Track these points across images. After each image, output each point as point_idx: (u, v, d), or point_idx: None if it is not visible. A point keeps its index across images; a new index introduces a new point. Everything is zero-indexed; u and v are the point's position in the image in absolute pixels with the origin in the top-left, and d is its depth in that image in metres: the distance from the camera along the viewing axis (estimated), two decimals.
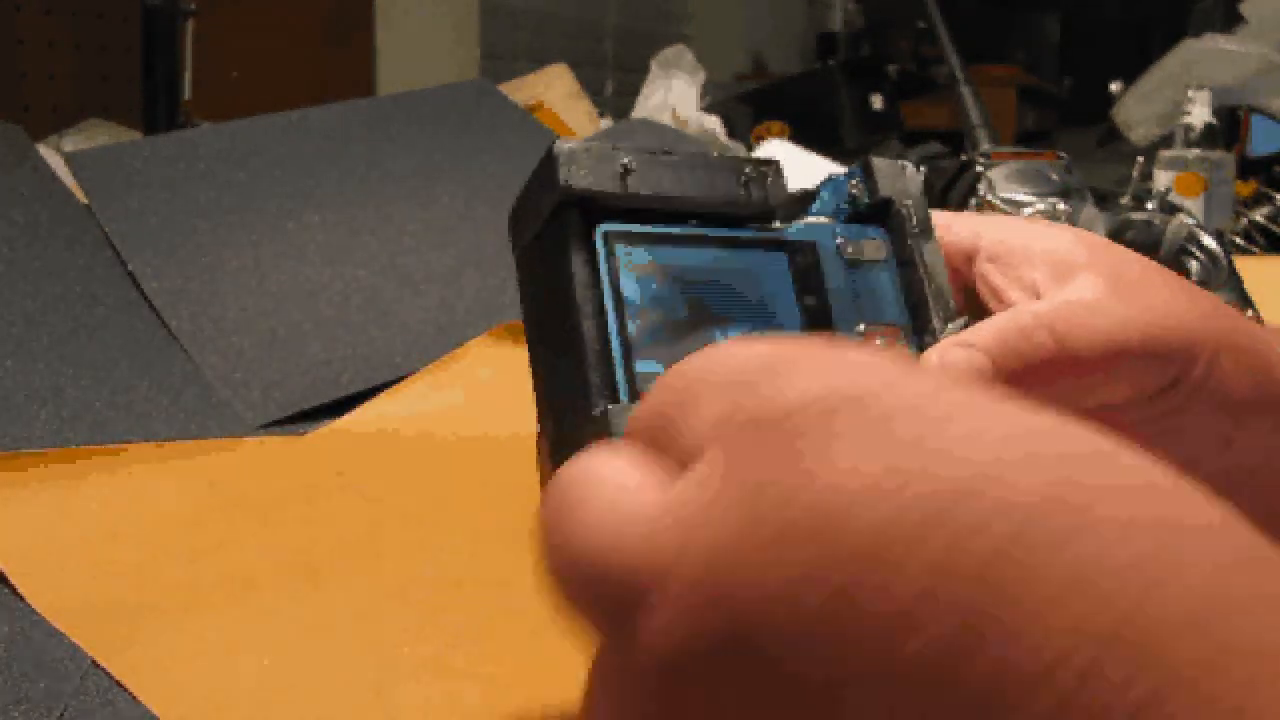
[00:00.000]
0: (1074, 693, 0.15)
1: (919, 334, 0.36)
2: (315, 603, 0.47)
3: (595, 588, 0.20)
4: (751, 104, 2.20)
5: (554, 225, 0.32)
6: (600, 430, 0.31)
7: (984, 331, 0.34)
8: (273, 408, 0.70)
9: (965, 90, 1.40)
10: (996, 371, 0.34)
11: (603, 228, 0.32)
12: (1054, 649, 0.16)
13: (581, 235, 0.31)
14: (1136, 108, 1.65)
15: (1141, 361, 0.35)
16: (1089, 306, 0.35)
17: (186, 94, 1.33)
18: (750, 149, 1.55)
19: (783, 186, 0.35)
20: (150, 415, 0.66)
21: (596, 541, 0.20)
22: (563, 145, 0.31)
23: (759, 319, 0.33)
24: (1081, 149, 1.79)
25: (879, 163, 0.37)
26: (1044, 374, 0.34)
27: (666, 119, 1.57)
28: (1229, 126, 1.56)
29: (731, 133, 1.72)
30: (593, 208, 0.32)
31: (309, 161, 0.92)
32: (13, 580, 0.47)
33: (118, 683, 0.40)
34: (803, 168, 1.28)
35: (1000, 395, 0.19)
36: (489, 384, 0.72)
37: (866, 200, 0.37)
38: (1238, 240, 1.23)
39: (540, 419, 0.34)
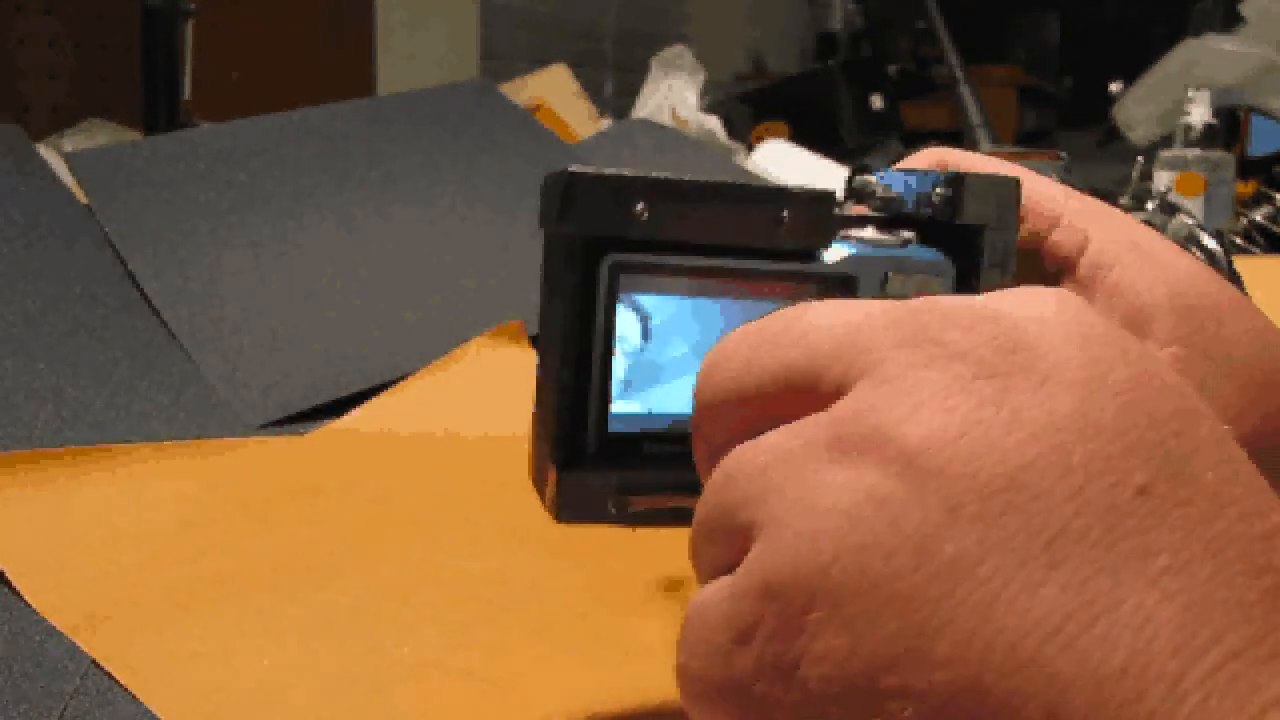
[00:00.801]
0: None
1: None
2: (315, 603, 0.47)
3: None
4: (751, 104, 2.20)
5: (559, 245, 0.30)
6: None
7: None
8: (273, 408, 0.70)
9: (965, 90, 1.40)
10: None
11: (611, 259, 0.29)
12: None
13: (580, 267, 0.29)
14: (1136, 108, 1.65)
15: None
16: None
17: (186, 94, 1.33)
18: (750, 149, 1.55)
19: (831, 228, 0.31)
20: (150, 415, 0.66)
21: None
22: (578, 175, 0.28)
23: None
24: (1081, 149, 1.79)
25: (974, 182, 0.32)
26: None
27: (666, 119, 1.57)
28: (1229, 126, 1.56)
29: (731, 133, 1.72)
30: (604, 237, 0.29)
31: (309, 161, 0.92)
32: (13, 580, 0.47)
33: (118, 683, 0.40)
34: (802, 168, 1.28)
35: None
36: (489, 384, 0.72)
37: (945, 219, 0.32)
38: (1238, 240, 1.23)
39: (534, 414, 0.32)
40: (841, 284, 0.31)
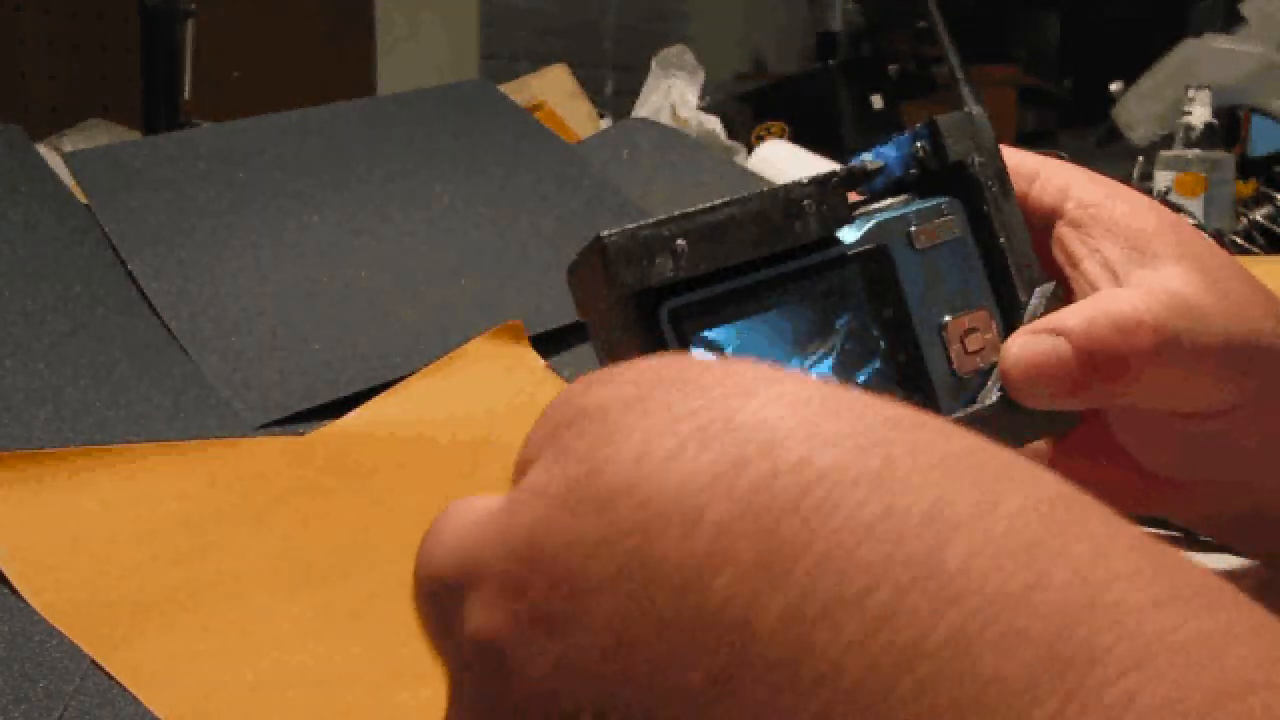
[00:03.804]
0: (885, 620, 0.16)
1: (1004, 309, 0.34)
2: (315, 603, 0.47)
3: (431, 590, 0.22)
4: (751, 104, 2.20)
5: (617, 316, 0.30)
6: None
7: (1074, 320, 0.32)
8: (273, 408, 0.70)
9: (965, 90, 1.40)
10: (1080, 363, 0.32)
11: (668, 305, 0.30)
12: (862, 579, 0.16)
13: (645, 324, 0.30)
14: (1136, 108, 1.65)
15: (1228, 375, 0.33)
16: (1189, 307, 0.32)
17: (186, 94, 1.33)
18: (750, 149, 1.55)
19: (843, 204, 0.32)
20: (150, 415, 0.66)
21: (433, 551, 0.23)
22: (611, 238, 0.29)
23: (835, 349, 0.32)
24: (1081, 149, 1.79)
25: (945, 122, 0.34)
26: (1127, 370, 0.32)
27: (666, 119, 1.56)
28: (1229, 126, 1.56)
29: (731, 133, 1.72)
30: (652, 290, 0.30)
31: (309, 161, 0.92)
32: (13, 580, 0.47)
33: (118, 683, 0.40)
34: (802, 168, 1.28)
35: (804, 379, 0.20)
36: (489, 384, 0.72)
37: (935, 167, 0.34)
38: (1238, 240, 1.23)
39: None
40: (876, 256, 0.33)
